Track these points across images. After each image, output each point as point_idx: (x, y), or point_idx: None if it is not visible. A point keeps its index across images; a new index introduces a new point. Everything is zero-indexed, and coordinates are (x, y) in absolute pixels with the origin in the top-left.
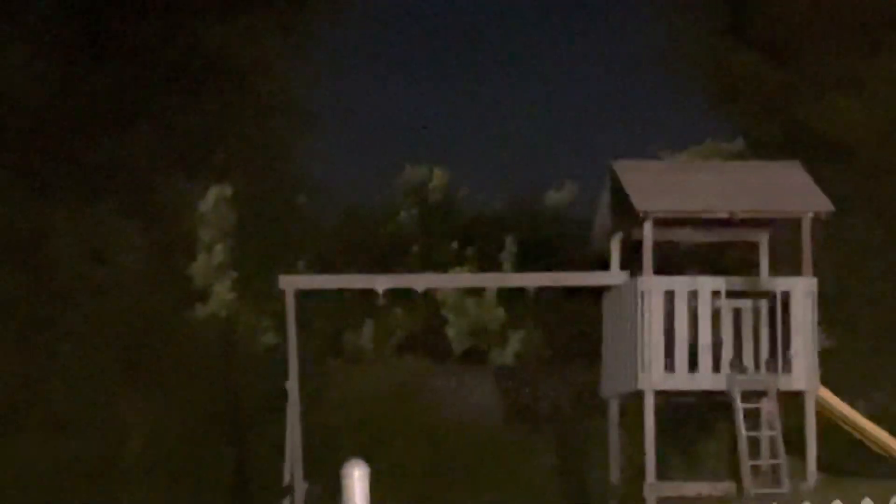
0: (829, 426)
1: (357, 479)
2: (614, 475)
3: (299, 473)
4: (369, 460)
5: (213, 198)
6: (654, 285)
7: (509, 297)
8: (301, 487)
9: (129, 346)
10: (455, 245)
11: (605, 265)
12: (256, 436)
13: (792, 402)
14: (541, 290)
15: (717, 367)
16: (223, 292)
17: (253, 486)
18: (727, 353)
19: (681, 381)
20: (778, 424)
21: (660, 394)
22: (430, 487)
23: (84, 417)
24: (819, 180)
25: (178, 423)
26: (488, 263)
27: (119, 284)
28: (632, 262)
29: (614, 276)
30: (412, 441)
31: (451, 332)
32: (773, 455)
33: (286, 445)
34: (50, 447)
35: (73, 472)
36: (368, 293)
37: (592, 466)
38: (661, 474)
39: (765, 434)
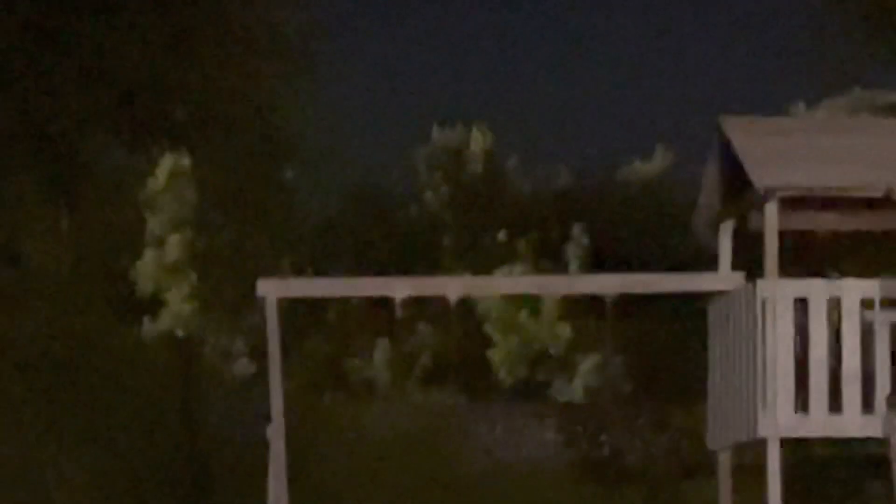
0: None
1: None
2: None
3: None
4: None
5: (166, 172)
6: (780, 291)
7: (578, 308)
8: None
9: (51, 380)
10: (502, 236)
11: (711, 263)
12: (226, 498)
13: None
14: (622, 299)
15: (868, 406)
16: (179, 302)
17: None
18: (883, 385)
19: (818, 425)
20: None
21: (789, 443)
22: None
23: None
24: None
25: (118, 487)
26: (549, 261)
27: (36, 292)
28: (749, 259)
29: (724, 278)
30: None
31: (496, 356)
32: None
33: None
34: None
35: None
36: (382, 303)
37: None
38: None
39: None
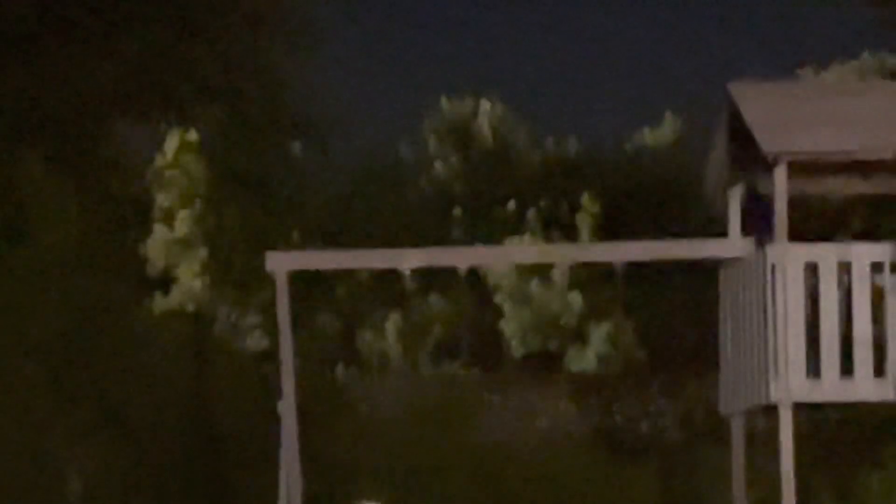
0: None
1: None
2: None
3: None
4: None
5: (174, 147)
6: (790, 257)
7: (589, 277)
8: None
9: (62, 356)
10: (512, 205)
11: (721, 230)
12: (239, 476)
13: None
14: (633, 267)
15: (880, 371)
16: (190, 278)
17: None
18: (894, 349)
19: (830, 390)
20: None
21: (801, 408)
22: None
23: (1, 455)
24: None
25: (131, 462)
26: (559, 230)
27: (45, 269)
28: (758, 224)
29: (734, 244)
30: (455, 478)
31: (508, 327)
32: None
33: (279, 488)
34: None
35: None
36: (392, 276)
37: None
38: None
39: None
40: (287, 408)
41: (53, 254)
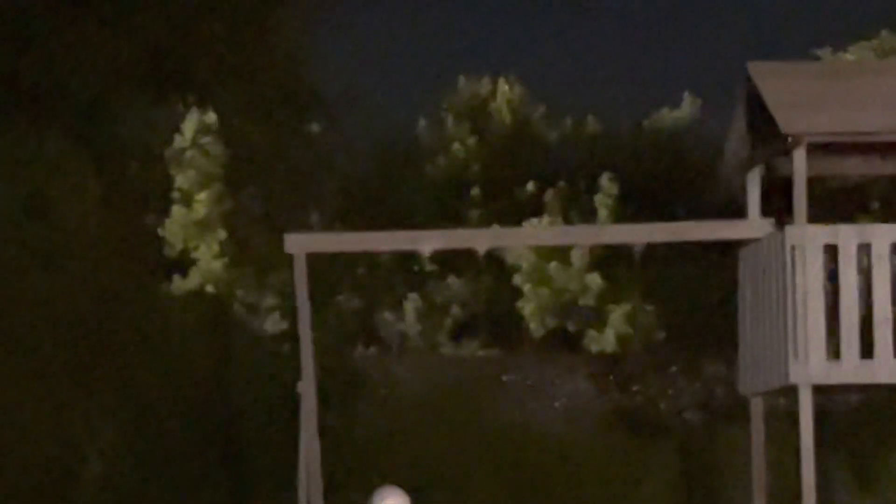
0: None
1: None
2: (759, 501)
3: None
4: (414, 487)
5: (193, 128)
6: (809, 238)
7: (608, 258)
8: None
9: (80, 338)
10: (531, 187)
11: (740, 211)
12: (258, 456)
13: None
14: (652, 249)
15: None
16: (209, 259)
17: None
18: None
19: (849, 371)
20: None
21: (821, 390)
22: None
23: (20, 437)
24: None
25: (150, 442)
26: (578, 212)
27: (64, 250)
28: (778, 205)
29: (753, 225)
30: (474, 458)
31: (527, 308)
32: None
33: (299, 468)
34: None
35: None
36: (411, 257)
37: (729, 490)
38: (824, 500)
39: None
40: (306, 388)
41: (73, 235)
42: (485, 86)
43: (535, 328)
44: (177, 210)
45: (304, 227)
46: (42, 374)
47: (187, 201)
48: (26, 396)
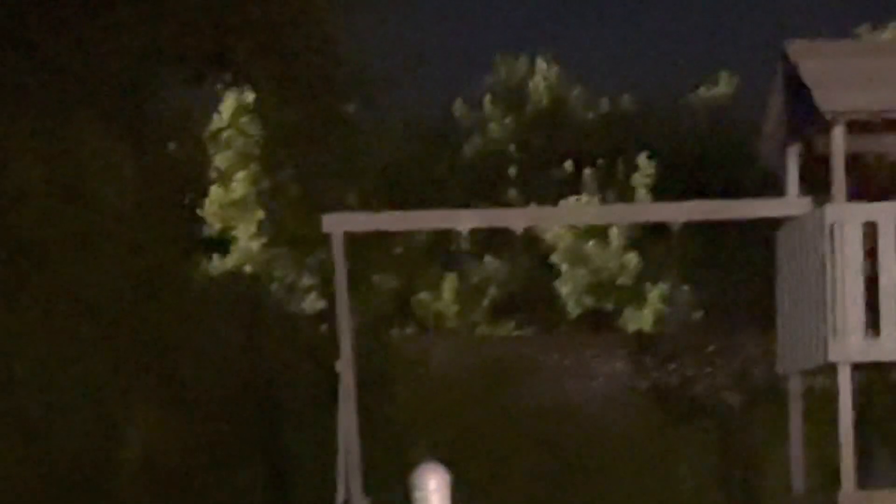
0: None
1: (433, 491)
2: (797, 481)
3: (357, 486)
4: (451, 465)
5: (230, 108)
6: (848, 215)
7: (645, 237)
8: None
9: (117, 319)
10: (568, 166)
11: (778, 189)
12: (297, 436)
13: None
14: (689, 227)
15: None
16: (247, 239)
17: None
18: None
19: (889, 349)
20: None
21: (860, 368)
22: (538, 501)
23: (58, 418)
24: None
25: (189, 423)
26: (615, 191)
27: (101, 231)
28: (816, 183)
29: (791, 203)
30: (512, 438)
31: (564, 288)
32: None
33: (339, 448)
34: (12, 461)
35: (43, 491)
36: (448, 236)
37: (767, 469)
38: (863, 480)
39: None
40: (344, 368)
41: (109, 216)
42: (522, 65)
43: (573, 307)
44: (215, 190)
45: (342, 206)
46: (80, 357)
47: (225, 181)
48: (64, 380)
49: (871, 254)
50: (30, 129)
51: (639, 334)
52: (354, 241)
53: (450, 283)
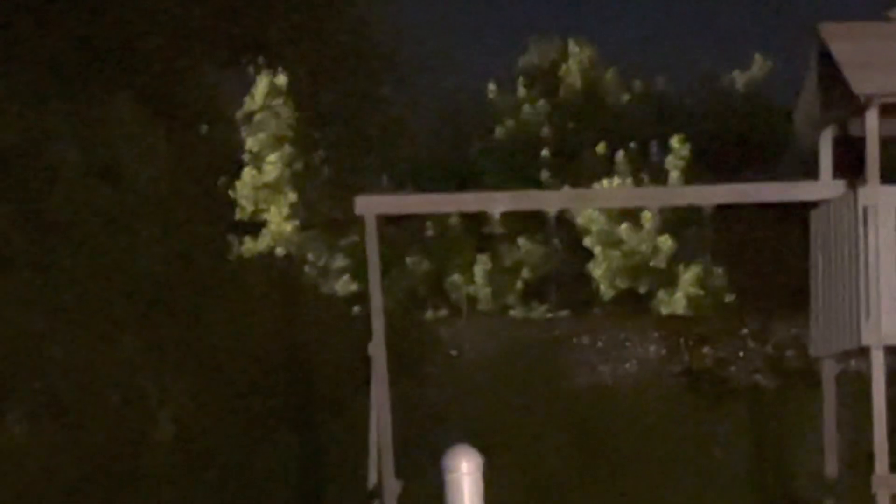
0: None
1: (465, 474)
2: (830, 465)
3: (390, 469)
4: (484, 448)
5: (263, 91)
6: (882, 198)
7: (679, 219)
8: (393, 489)
9: (151, 299)
10: (601, 148)
11: (811, 172)
12: (329, 419)
13: None
14: (723, 210)
15: None
16: (279, 221)
17: (326, 489)
18: None
19: None
20: None
21: (894, 351)
22: (570, 484)
23: (92, 397)
24: None
25: (221, 404)
26: (649, 173)
27: (135, 213)
28: (850, 166)
29: (825, 186)
30: (545, 420)
31: (597, 270)
32: None
33: (370, 431)
34: (45, 439)
35: (78, 472)
36: (481, 219)
37: (800, 452)
38: None
39: None
40: (377, 350)
41: (143, 198)
42: (555, 48)
43: (606, 290)
44: (247, 172)
45: (375, 189)
46: (114, 337)
47: (258, 163)
48: (99, 359)
49: None
50: (65, 110)
51: (671, 317)
52: (387, 223)
53: (482, 265)
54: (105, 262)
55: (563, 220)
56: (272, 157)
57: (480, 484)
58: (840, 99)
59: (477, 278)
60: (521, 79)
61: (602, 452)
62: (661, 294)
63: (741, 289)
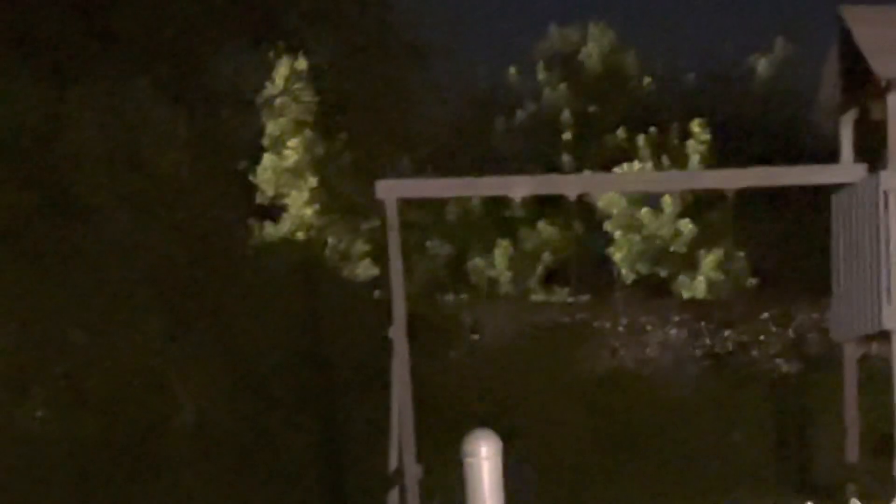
0: None
1: (485, 459)
2: (851, 450)
3: (410, 454)
4: (505, 432)
5: (284, 74)
6: None
7: (699, 204)
8: (414, 473)
9: (173, 284)
10: (621, 133)
11: (833, 156)
12: (350, 404)
13: None
14: (744, 194)
15: None
16: (300, 206)
17: (346, 474)
18: None
19: None
20: None
21: None
22: (590, 468)
23: (114, 383)
24: None
25: (242, 389)
26: (670, 158)
27: (157, 197)
28: (871, 150)
29: (846, 170)
30: (565, 404)
31: (618, 255)
32: None
33: (391, 416)
34: (67, 426)
35: (99, 457)
36: (501, 203)
37: (821, 438)
38: None
39: None
40: (398, 334)
41: (164, 182)
42: (576, 31)
43: (626, 274)
44: (268, 157)
45: (395, 173)
46: (135, 323)
47: (278, 148)
48: (120, 344)
49: None
50: (86, 96)
51: (692, 301)
52: (408, 207)
53: (503, 249)
54: (126, 248)
55: (585, 205)
56: (293, 142)
57: (500, 469)
58: (862, 82)
59: (498, 262)
60: (541, 63)
61: (623, 436)
62: (682, 278)
63: (762, 273)
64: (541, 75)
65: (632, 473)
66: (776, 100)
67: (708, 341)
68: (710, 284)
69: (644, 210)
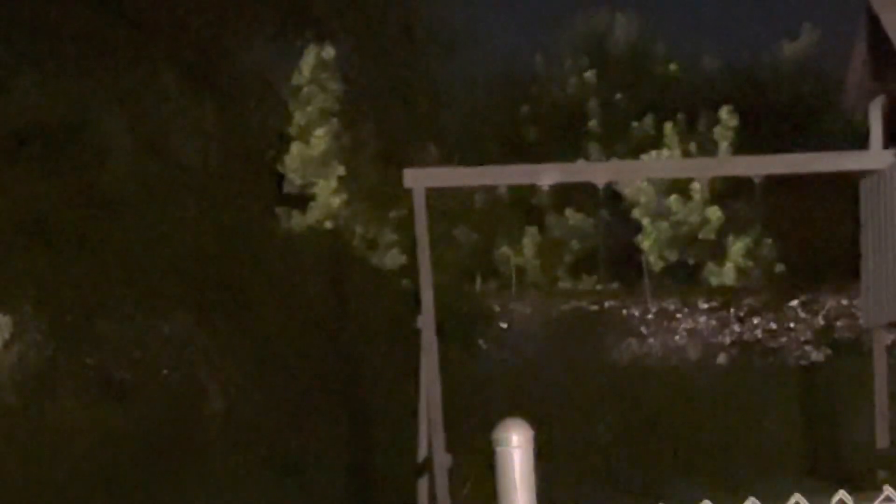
0: None
1: (516, 447)
2: (881, 436)
3: (440, 443)
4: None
5: (311, 64)
6: None
7: (728, 190)
8: (443, 462)
9: (200, 274)
10: (649, 120)
11: (862, 142)
12: (378, 393)
13: None
14: (773, 181)
15: None
16: (328, 195)
17: (375, 462)
18: None
19: None
20: None
21: None
22: (622, 457)
23: (143, 375)
24: None
25: (271, 379)
26: (697, 145)
27: (184, 187)
28: None
29: (876, 156)
30: (594, 392)
31: (646, 242)
32: None
33: (419, 406)
34: (97, 417)
35: (129, 447)
36: (529, 191)
37: (851, 424)
38: None
39: None
40: (426, 323)
41: (192, 172)
42: (603, 19)
43: (655, 262)
44: (295, 146)
45: (423, 161)
46: (163, 312)
47: (305, 137)
48: (148, 334)
49: None
50: (113, 87)
51: (721, 288)
52: (436, 196)
53: (531, 237)
54: (154, 238)
55: (612, 193)
56: (320, 131)
57: (531, 457)
58: (890, 68)
59: (526, 250)
60: (568, 51)
61: (652, 424)
62: (711, 265)
63: (791, 260)
64: (567, 63)
65: (661, 460)
66: (804, 86)
67: (737, 328)
68: (739, 271)
69: (672, 197)
